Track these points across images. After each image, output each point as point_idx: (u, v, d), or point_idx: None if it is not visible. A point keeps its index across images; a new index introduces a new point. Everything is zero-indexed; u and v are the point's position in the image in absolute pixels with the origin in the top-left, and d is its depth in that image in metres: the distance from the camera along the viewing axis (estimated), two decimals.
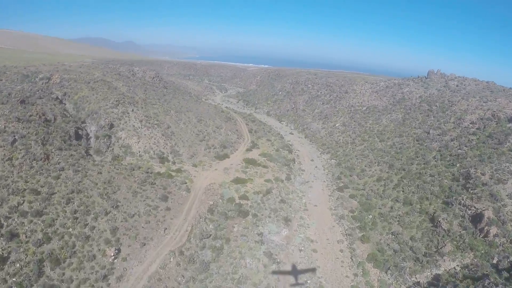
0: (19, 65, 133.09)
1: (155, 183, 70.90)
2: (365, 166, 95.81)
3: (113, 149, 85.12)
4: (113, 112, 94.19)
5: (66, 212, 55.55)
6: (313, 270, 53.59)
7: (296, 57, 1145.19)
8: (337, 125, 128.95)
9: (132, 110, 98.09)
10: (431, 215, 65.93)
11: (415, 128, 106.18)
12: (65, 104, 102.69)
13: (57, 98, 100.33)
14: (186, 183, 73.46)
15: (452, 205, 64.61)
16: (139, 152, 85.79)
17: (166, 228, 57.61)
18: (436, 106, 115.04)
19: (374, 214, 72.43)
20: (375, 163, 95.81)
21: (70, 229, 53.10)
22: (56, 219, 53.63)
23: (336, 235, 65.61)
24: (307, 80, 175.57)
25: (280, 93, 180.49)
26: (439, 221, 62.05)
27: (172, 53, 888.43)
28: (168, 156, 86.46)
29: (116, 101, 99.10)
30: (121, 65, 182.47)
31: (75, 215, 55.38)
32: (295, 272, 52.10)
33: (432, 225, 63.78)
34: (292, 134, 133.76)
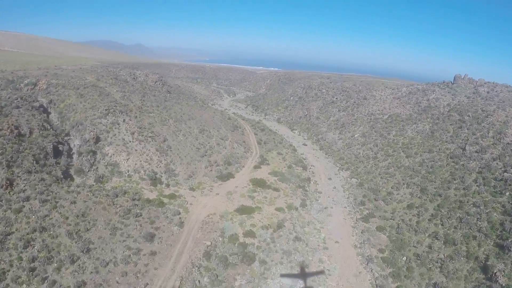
0: (10, 69, 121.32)
1: (141, 215, 57.40)
2: (391, 188, 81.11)
3: (97, 168, 71.80)
4: (101, 123, 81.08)
5: (22, 260, 42.46)
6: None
7: (306, 61, 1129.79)
8: (356, 135, 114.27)
9: (124, 120, 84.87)
10: (482, 262, 50.93)
11: (446, 142, 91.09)
12: (50, 114, 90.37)
13: (40, 106, 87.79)
14: (179, 213, 59.77)
15: (509, 250, 49.83)
16: (128, 171, 72.41)
17: (147, 284, 43.87)
18: (469, 116, 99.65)
19: (409, 255, 57.71)
20: (403, 184, 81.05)
21: (24, 286, 40.21)
22: (8, 271, 40.72)
23: (364, 286, 51.27)
24: (320, 84, 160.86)
25: (291, 98, 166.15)
26: (494, 273, 47.23)
27: (181, 56, 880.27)
28: (162, 176, 72.90)
29: (106, 109, 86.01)
30: (123, 68, 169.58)
31: (32, 265, 42.31)
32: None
33: (484, 276, 48.99)
34: (306, 145, 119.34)
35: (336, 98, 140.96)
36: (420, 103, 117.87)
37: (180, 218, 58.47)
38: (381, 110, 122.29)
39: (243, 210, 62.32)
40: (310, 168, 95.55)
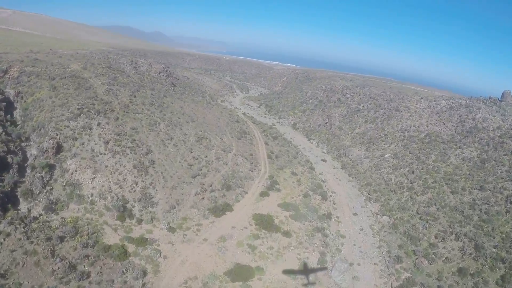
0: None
1: (88, 276, 38.77)
2: (435, 238, 60.86)
3: (52, 188, 53.14)
4: (68, 126, 62.25)
5: None
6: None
7: (324, 59, 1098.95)
8: (386, 155, 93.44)
9: (99, 123, 65.76)
10: None
11: (502, 179, 70.07)
12: (15, 109, 72.21)
13: (4, 100, 69.66)
14: (145, 274, 40.79)
15: None
16: (92, 195, 53.54)
17: None
18: None
19: None
20: (450, 233, 60.72)
21: None
22: None
23: None
24: (344, 88, 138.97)
25: (310, 101, 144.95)
26: None
27: (199, 46, 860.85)
28: (134, 206, 53.74)
29: (79, 108, 66.93)
30: (125, 56, 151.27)
31: None
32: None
33: None
34: (325, 161, 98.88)
35: (363, 106, 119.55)
36: (465, 122, 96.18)
37: (144, 284, 39.43)
38: (417, 126, 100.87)
39: (238, 273, 42.86)
40: (331, 196, 75.35)
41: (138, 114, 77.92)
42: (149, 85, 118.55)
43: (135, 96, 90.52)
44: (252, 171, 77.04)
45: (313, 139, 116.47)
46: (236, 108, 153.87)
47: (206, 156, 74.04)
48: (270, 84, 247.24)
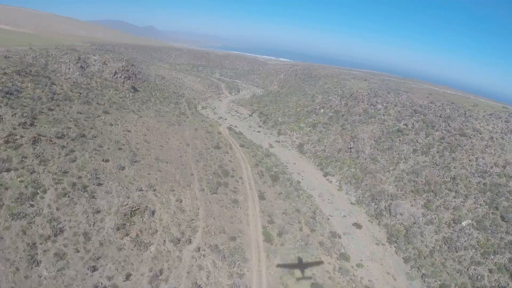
0: None
1: None
2: None
3: None
4: None
5: None
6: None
7: (323, 54, 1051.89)
8: (463, 223, 51.34)
9: None
10: None
11: None
12: None
13: None
14: None
15: None
16: None
17: None
18: None
19: None
20: None
21: None
22: None
23: None
24: (372, 94, 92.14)
25: (322, 110, 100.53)
26: None
27: (192, 40, 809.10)
28: None
29: None
30: (70, 53, 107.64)
31: None
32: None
33: None
34: (359, 226, 55.97)
35: (405, 125, 76.50)
36: None
37: None
38: (503, 164, 58.88)
39: None
40: None
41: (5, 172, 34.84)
42: (90, 95, 76.12)
43: (31, 125, 47.37)
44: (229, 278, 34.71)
45: (332, 174, 73.62)
46: (221, 118, 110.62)
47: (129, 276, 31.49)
48: (264, 83, 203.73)
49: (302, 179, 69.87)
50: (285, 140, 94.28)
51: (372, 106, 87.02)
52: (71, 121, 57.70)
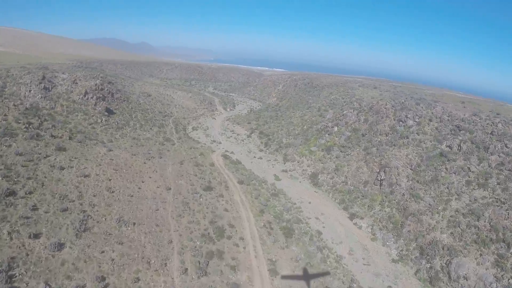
0: None
1: None
2: None
3: None
4: None
5: None
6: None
7: (315, 62, 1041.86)
8: None
9: None
10: None
11: None
12: None
13: None
14: None
15: None
16: None
17: None
18: None
19: None
20: None
21: None
22: None
23: None
24: (399, 108, 74.40)
25: (336, 128, 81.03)
26: None
27: (185, 55, 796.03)
28: None
29: None
30: (34, 73, 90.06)
31: None
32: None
33: None
34: None
35: (449, 147, 57.87)
36: None
37: None
38: None
39: None
40: None
41: None
42: (45, 124, 58.41)
43: None
44: None
45: (360, 217, 55.35)
46: (214, 141, 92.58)
47: None
48: (262, 95, 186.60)
49: (323, 227, 51.52)
50: (293, 169, 76.08)
51: (400, 123, 68.93)
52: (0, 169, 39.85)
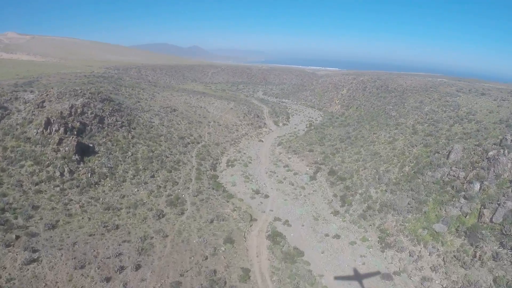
0: None
1: None
2: None
3: None
4: None
5: None
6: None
7: (367, 60, 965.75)
8: None
9: None
10: None
11: None
12: None
13: None
14: None
15: None
16: None
17: None
18: None
19: None
20: None
21: None
22: None
23: None
24: None
25: (475, 185, 39.18)
26: None
27: (236, 57, 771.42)
28: None
29: None
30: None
31: None
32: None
33: None
34: None
35: None
36: None
37: None
38: None
39: None
40: None
41: None
42: None
43: None
44: None
45: None
46: (258, 191, 54.31)
47: None
48: (321, 101, 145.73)
49: None
50: (403, 269, 36.04)
51: None
52: None
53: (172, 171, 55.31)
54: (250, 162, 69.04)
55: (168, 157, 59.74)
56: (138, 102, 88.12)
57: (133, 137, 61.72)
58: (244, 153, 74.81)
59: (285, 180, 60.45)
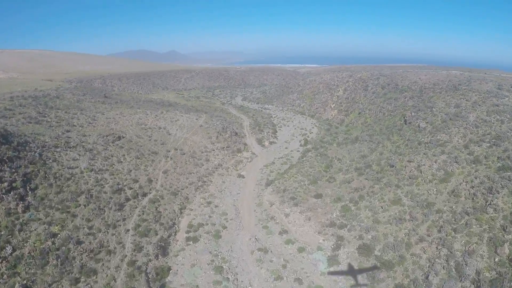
0: None
1: None
2: None
3: None
4: None
5: None
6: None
7: (352, 54, 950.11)
8: None
9: None
10: None
11: None
12: None
13: None
14: None
15: None
16: None
17: None
18: None
19: None
20: None
21: None
22: None
23: None
24: None
25: None
26: None
27: (214, 59, 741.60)
28: None
29: None
30: None
31: None
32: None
33: None
34: None
35: None
36: None
37: None
38: None
39: None
40: None
41: None
42: None
43: None
44: None
45: None
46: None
47: None
48: (312, 106, 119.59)
49: None
50: None
51: None
52: None
53: (80, 281, 27.65)
54: (226, 227, 41.84)
55: (80, 243, 32.03)
56: (67, 132, 59.67)
57: (27, 207, 33.78)
58: (216, 206, 47.53)
59: (286, 271, 33.57)
